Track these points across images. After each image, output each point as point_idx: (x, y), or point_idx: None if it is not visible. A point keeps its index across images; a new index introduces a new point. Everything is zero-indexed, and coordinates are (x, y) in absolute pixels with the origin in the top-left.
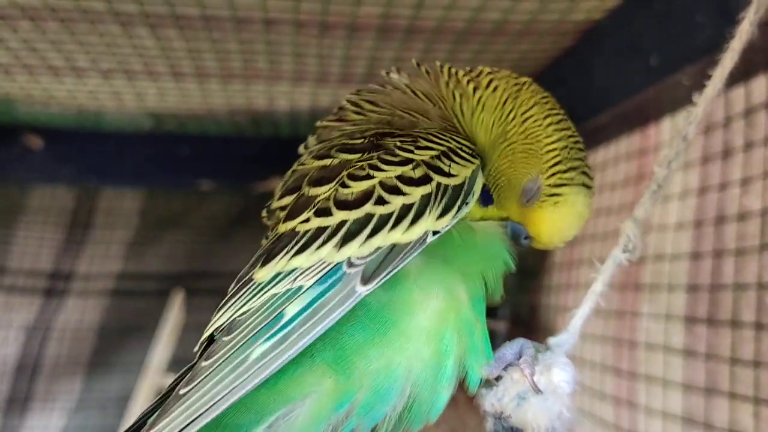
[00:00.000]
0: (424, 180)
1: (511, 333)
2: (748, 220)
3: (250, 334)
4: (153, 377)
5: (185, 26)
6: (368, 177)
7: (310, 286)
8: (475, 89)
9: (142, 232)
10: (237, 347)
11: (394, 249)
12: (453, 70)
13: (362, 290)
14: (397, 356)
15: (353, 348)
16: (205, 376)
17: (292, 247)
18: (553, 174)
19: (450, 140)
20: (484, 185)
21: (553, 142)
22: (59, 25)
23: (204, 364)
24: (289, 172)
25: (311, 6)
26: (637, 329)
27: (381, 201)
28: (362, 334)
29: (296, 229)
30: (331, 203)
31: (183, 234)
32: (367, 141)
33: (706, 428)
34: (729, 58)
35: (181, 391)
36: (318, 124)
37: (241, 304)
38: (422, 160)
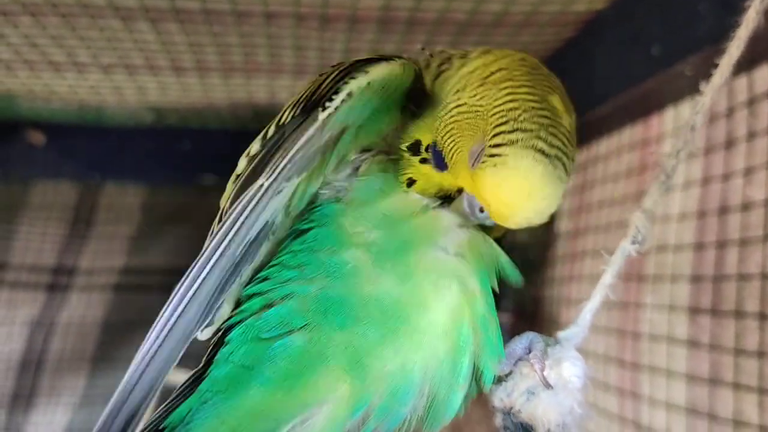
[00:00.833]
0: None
1: (515, 325)
2: (751, 210)
3: None
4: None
5: (186, 20)
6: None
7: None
8: (449, 58)
9: (144, 227)
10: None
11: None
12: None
13: (261, 180)
14: (413, 354)
15: (367, 349)
16: None
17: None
18: (496, 135)
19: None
20: (437, 148)
21: (502, 104)
22: (60, 21)
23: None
24: None
25: None
26: (641, 320)
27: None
28: (375, 333)
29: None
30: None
31: (185, 228)
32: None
33: (710, 419)
34: (735, 47)
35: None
36: None
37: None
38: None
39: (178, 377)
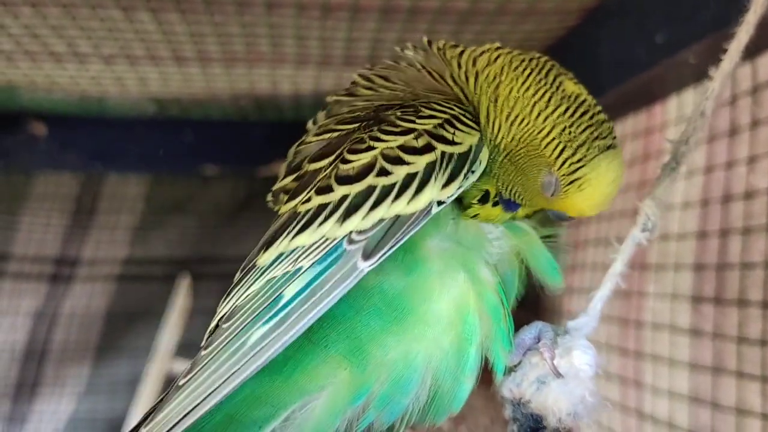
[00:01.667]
0: (428, 149)
1: (517, 314)
2: (754, 198)
3: (249, 319)
4: (161, 362)
5: (187, 10)
6: (369, 149)
7: (310, 266)
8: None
9: (147, 218)
10: (235, 333)
11: (397, 221)
12: (448, 51)
13: (364, 266)
14: (415, 345)
15: (368, 337)
16: (204, 365)
17: (293, 227)
18: (563, 164)
19: (453, 108)
20: (503, 196)
21: (548, 133)
22: (60, 11)
23: (203, 353)
24: (293, 150)
25: None
26: (644, 309)
27: (383, 172)
28: (377, 322)
29: (297, 210)
30: (332, 180)
31: (188, 219)
32: (369, 112)
33: (713, 407)
34: (744, 32)
35: (180, 382)
36: (329, 98)
37: (244, 290)
38: (424, 129)
39: (179, 367)
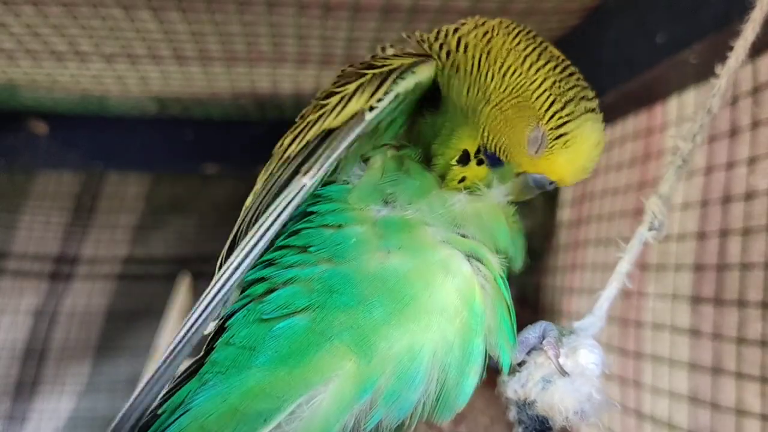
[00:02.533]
0: (361, 76)
1: (517, 314)
2: (754, 199)
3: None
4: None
5: (188, 9)
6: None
7: (277, 191)
8: (448, 53)
9: (147, 217)
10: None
11: (329, 136)
12: (425, 36)
13: (305, 180)
14: (419, 336)
15: (371, 327)
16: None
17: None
18: (552, 116)
19: (405, 57)
20: (488, 150)
21: (540, 85)
22: (62, 10)
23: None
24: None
25: None
26: (644, 309)
27: (322, 107)
28: (380, 312)
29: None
30: (299, 130)
31: (189, 218)
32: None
33: (712, 408)
34: (751, 29)
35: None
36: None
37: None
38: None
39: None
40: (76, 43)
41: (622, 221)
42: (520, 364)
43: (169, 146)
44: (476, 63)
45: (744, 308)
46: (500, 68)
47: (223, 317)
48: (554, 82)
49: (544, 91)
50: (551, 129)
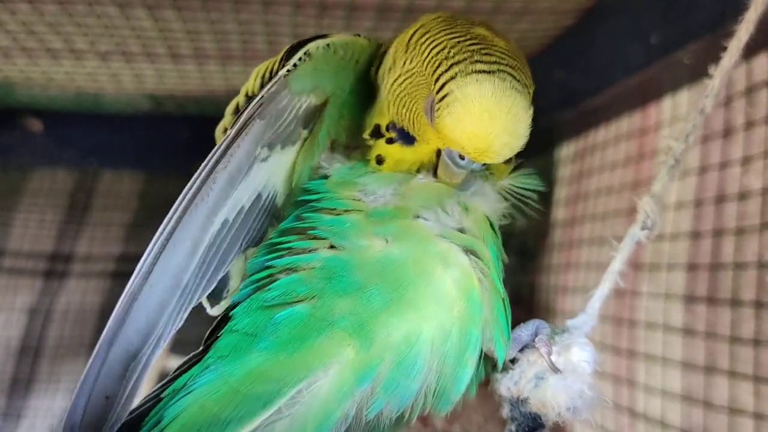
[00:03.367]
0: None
1: (512, 313)
2: (748, 199)
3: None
4: (155, 358)
5: (183, 7)
6: None
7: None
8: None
9: (141, 215)
10: None
11: (251, 101)
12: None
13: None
14: (417, 325)
15: (371, 314)
16: None
17: None
18: (437, 80)
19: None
20: (398, 127)
21: (430, 53)
22: (57, 8)
23: None
24: None
25: None
26: (637, 308)
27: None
28: (379, 299)
29: None
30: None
31: None
32: None
33: (705, 406)
34: (744, 30)
35: None
36: None
37: None
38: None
39: (173, 363)
40: (72, 40)
41: (616, 221)
42: (513, 362)
43: (164, 144)
44: (394, 45)
45: (737, 307)
46: (406, 44)
47: (227, 308)
48: (445, 48)
49: (433, 57)
50: (436, 93)
